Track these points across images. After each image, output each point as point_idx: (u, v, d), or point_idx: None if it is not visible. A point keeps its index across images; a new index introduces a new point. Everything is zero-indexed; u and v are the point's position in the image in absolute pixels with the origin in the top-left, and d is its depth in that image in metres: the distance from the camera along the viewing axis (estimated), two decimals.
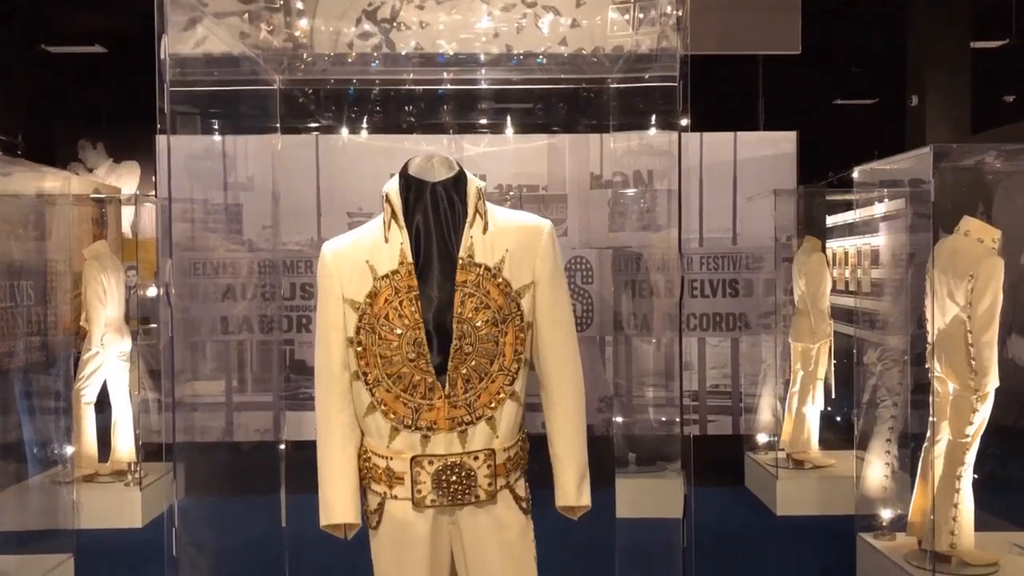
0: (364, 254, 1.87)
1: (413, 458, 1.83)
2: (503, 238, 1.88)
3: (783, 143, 6.76)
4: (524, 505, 1.93)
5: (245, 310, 5.96)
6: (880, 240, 5.75)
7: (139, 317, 6.43)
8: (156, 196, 6.70)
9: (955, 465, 3.99)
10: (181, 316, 6.92)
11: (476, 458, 1.84)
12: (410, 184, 1.88)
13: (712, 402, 7.25)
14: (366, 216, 7.08)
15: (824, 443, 6.13)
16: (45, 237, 5.70)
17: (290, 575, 3.94)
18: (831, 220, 7.16)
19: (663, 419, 6.08)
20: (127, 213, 7.39)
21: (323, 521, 1.89)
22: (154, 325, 6.66)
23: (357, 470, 1.90)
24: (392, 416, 1.84)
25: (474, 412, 1.84)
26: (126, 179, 10.24)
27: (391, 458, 1.85)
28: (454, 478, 1.83)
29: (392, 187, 1.90)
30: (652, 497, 4.20)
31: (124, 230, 7.49)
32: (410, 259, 1.85)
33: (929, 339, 4.20)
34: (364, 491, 1.92)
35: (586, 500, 1.93)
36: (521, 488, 1.93)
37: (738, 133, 6.84)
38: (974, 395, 3.92)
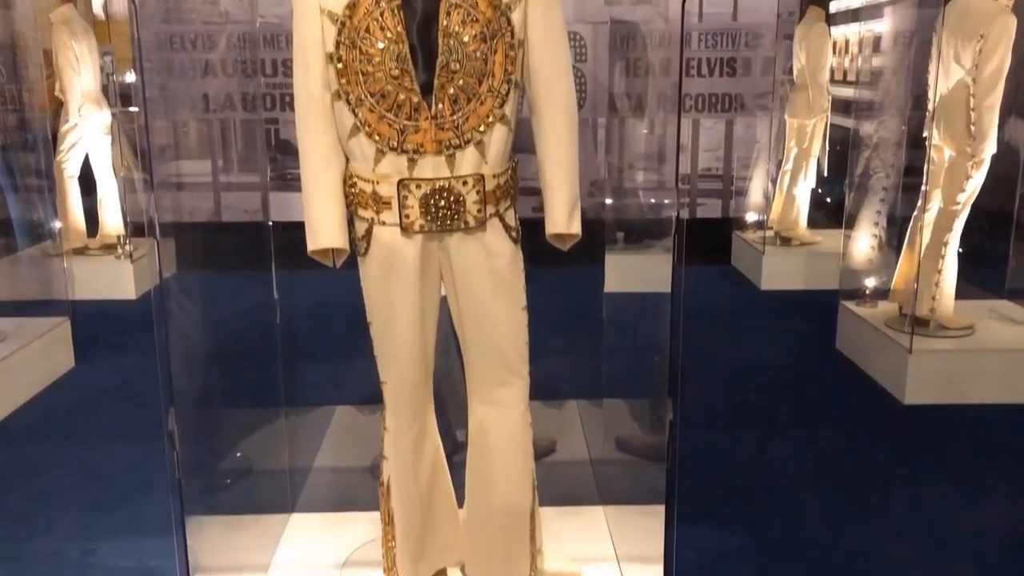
0: None
1: (400, 182, 1.77)
2: None
3: None
4: (514, 234, 1.89)
5: (226, 86, 5.76)
6: (884, 25, 5.52)
7: (119, 100, 6.21)
8: None
9: (943, 232, 4.00)
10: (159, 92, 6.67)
11: (465, 183, 1.78)
12: None
13: (703, 185, 7.21)
14: None
15: (812, 222, 6.16)
16: (9, 6, 5.41)
17: (282, 342, 4.01)
18: (834, 5, 6.86)
19: (652, 201, 6.05)
20: None
21: (310, 246, 1.86)
22: (134, 109, 6.46)
23: (343, 195, 1.85)
24: (377, 138, 1.76)
25: (462, 135, 1.76)
26: None
27: (377, 182, 1.80)
28: (442, 203, 1.78)
29: None
30: (640, 273, 4.24)
31: (96, 12, 7.11)
32: None
33: (930, 106, 4.10)
34: (351, 219, 1.88)
35: (576, 228, 1.90)
36: (511, 217, 1.89)
37: None
38: (970, 161, 3.87)
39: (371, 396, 3.52)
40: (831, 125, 6.03)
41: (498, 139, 1.80)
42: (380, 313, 1.91)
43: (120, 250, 5.49)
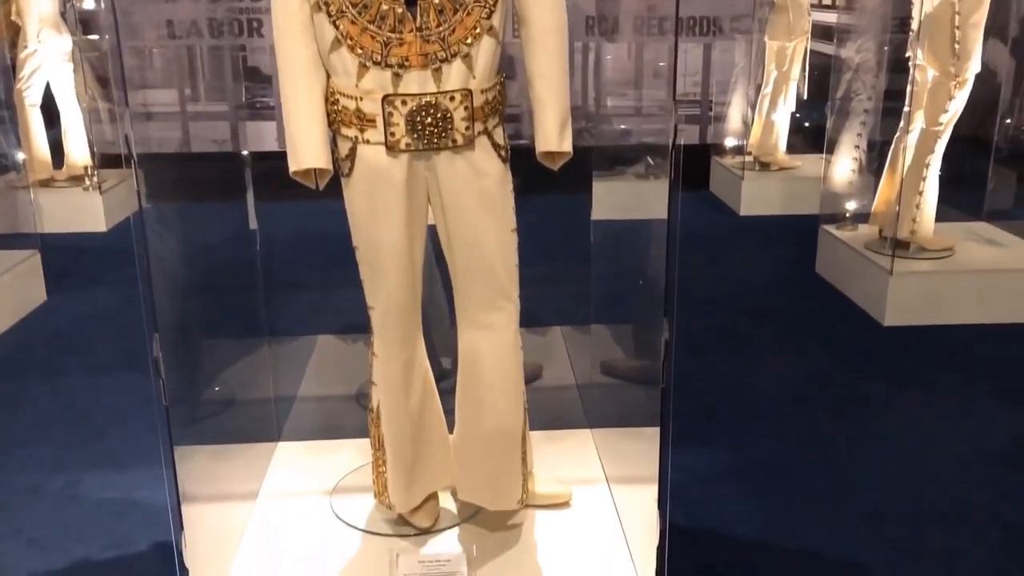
0: None
1: (385, 97, 1.70)
2: None
3: None
4: (503, 153, 1.84)
5: (192, 12, 5.57)
6: None
7: (79, 27, 5.98)
8: None
9: (925, 153, 3.98)
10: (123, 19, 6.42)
11: (452, 98, 1.72)
12: None
13: (680, 111, 7.12)
14: None
15: (791, 147, 6.11)
16: None
17: (261, 273, 3.94)
18: None
19: (633, 127, 5.97)
20: None
21: (292, 167, 1.79)
22: (95, 37, 6.23)
23: (325, 113, 1.78)
24: (359, 51, 1.68)
25: (449, 48, 1.69)
26: None
27: (361, 98, 1.72)
28: (429, 119, 1.71)
29: None
30: (624, 199, 4.20)
31: None
32: None
33: (913, 25, 4.04)
34: (334, 138, 1.81)
35: (567, 146, 1.84)
36: (499, 135, 1.83)
37: None
38: (953, 81, 3.83)
39: (352, 325, 3.49)
40: (810, 50, 5.95)
41: (486, 52, 1.73)
42: (366, 235, 1.85)
43: (88, 181, 5.35)
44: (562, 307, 3.51)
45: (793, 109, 5.97)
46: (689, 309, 4.06)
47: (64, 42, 5.25)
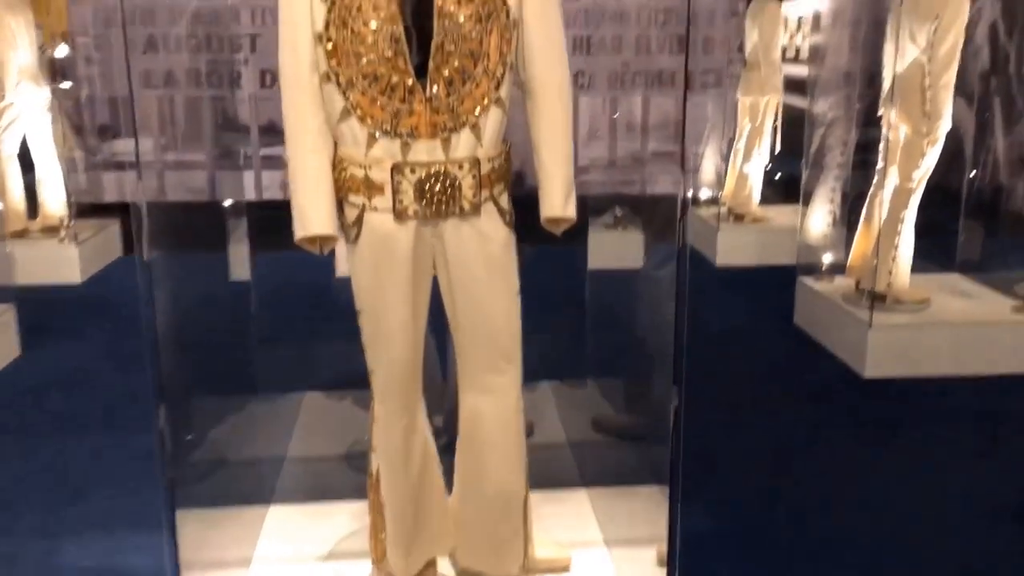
0: None
1: (394, 166, 1.72)
2: None
3: None
4: (508, 218, 1.86)
5: (169, 63, 5.56)
6: (831, 3, 5.56)
7: (52, 76, 5.96)
8: None
9: (899, 208, 4.08)
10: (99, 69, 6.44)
11: (461, 167, 1.74)
12: None
13: (655, 162, 7.22)
14: None
15: (765, 199, 6.22)
16: None
17: (248, 321, 3.90)
18: None
19: (611, 178, 6.04)
20: None
21: (298, 234, 1.80)
22: (68, 84, 6.21)
23: (332, 180, 1.79)
24: (369, 121, 1.70)
25: (458, 118, 1.71)
26: None
27: (370, 167, 1.74)
28: (438, 187, 1.74)
29: None
30: (611, 251, 4.26)
31: None
32: None
33: (885, 85, 4.16)
34: (340, 204, 1.82)
35: (572, 212, 1.87)
36: (505, 201, 1.86)
37: None
38: (925, 139, 3.94)
39: (338, 380, 3.47)
40: (782, 103, 6.09)
41: (493, 121, 1.76)
42: (371, 301, 1.85)
43: (63, 232, 5.29)
44: (551, 360, 3.51)
45: (766, 162, 6.09)
46: (669, 360, 4.10)
47: (43, 93, 5.23)
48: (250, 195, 6.41)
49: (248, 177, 6.73)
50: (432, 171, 1.73)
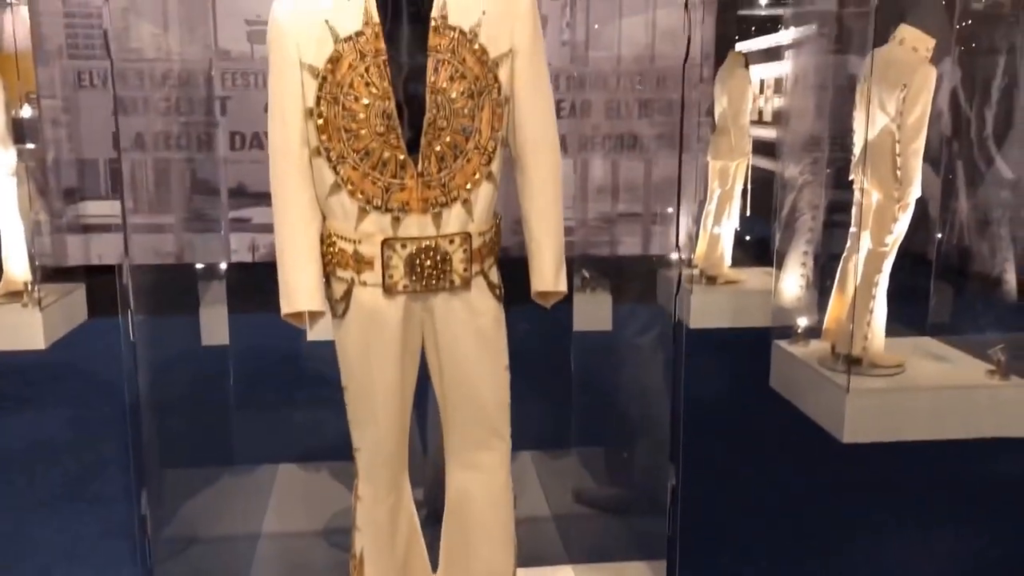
0: (322, 13, 1.65)
1: (385, 241, 1.70)
2: None
3: None
4: (497, 292, 1.84)
5: (140, 126, 5.54)
6: (798, 67, 5.70)
7: (17, 138, 5.89)
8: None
9: (873, 273, 4.12)
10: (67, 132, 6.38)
11: (452, 242, 1.72)
12: None
13: (623, 223, 7.28)
14: (266, 24, 6.56)
15: (736, 261, 6.28)
16: None
17: (211, 393, 3.82)
18: (755, 43, 7.08)
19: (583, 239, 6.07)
20: None
21: (285, 309, 1.76)
22: (32, 145, 6.15)
23: (320, 255, 1.76)
24: (360, 196, 1.68)
25: (449, 193, 1.70)
26: None
27: (359, 241, 1.71)
28: (428, 262, 1.71)
29: None
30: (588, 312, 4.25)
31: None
32: (376, 19, 1.65)
33: (855, 151, 4.24)
34: (327, 279, 1.79)
35: (563, 286, 1.86)
36: (495, 275, 1.84)
37: None
38: (896, 205, 4.00)
39: (311, 452, 3.39)
40: (752, 165, 6.19)
41: (484, 196, 1.75)
42: (357, 377, 1.81)
43: (27, 298, 5.18)
44: (530, 430, 3.47)
45: (737, 225, 6.16)
46: (644, 425, 4.07)
47: (9, 156, 5.17)
48: (219, 258, 6.36)
49: (217, 239, 6.69)
50: (423, 246, 1.71)
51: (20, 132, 5.87)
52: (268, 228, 1.94)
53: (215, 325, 4.31)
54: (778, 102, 7.14)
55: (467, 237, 1.74)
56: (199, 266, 4.90)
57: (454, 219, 1.72)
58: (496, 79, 1.71)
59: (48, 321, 5.15)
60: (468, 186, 1.72)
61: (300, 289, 1.74)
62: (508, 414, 1.91)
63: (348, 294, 1.76)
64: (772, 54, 7.49)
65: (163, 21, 5.22)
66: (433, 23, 1.66)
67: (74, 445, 3.82)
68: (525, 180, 1.82)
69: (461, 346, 1.81)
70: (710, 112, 6.34)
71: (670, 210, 6.65)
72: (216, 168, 6.38)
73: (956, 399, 4.00)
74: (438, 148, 1.68)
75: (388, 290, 1.73)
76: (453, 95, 1.66)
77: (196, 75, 5.97)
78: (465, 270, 1.75)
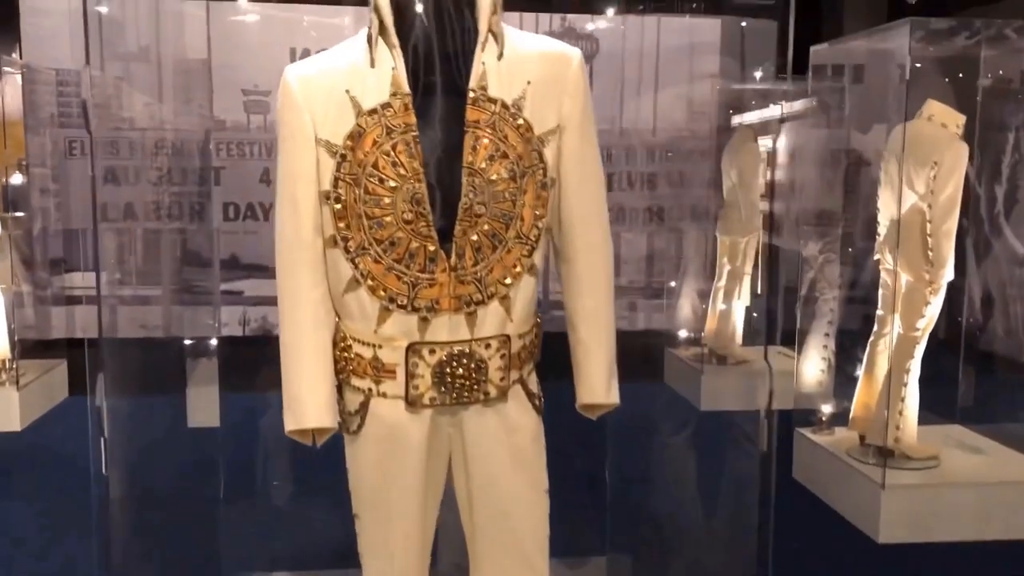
0: (343, 82, 1.43)
1: (410, 346, 1.44)
2: (522, 67, 1.47)
3: (707, 30, 6.46)
4: (537, 403, 1.58)
5: (130, 195, 5.35)
6: (812, 142, 5.57)
7: (4, 206, 5.68)
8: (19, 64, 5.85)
9: (904, 359, 3.89)
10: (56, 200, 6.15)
11: (488, 346, 1.47)
12: None
13: (628, 297, 7.08)
14: (263, 95, 6.41)
15: (747, 338, 6.04)
16: None
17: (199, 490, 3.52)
18: (766, 113, 6.95)
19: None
20: None
21: (290, 426, 1.49)
22: (21, 214, 5.94)
23: (332, 362, 1.50)
24: (382, 293, 1.44)
25: (486, 289, 1.46)
26: None
27: (380, 346, 1.46)
28: (461, 371, 1.46)
29: None
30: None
31: None
32: (406, 89, 1.42)
33: (880, 230, 4.04)
34: (340, 388, 1.53)
35: (615, 397, 1.60)
36: (533, 383, 1.59)
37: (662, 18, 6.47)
38: (928, 287, 3.79)
39: (312, 559, 3.08)
40: (763, 242, 6.00)
41: (525, 292, 1.50)
42: (373, 505, 1.54)
43: (4, 376, 4.88)
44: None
45: (747, 303, 5.94)
46: (661, 521, 3.79)
47: None
48: (208, 331, 6.09)
49: (207, 312, 6.43)
50: (454, 351, 1.46)
51: (6, 200, 5.67)
52: (260, 301, 1.72)
53: (203, 404, 4.03)
54: (786, 174, 6.99)
55: (505, 340, 1.49)
56: (188, 341, 4.63)
57: (491, 319, 1.48)
58: (541, 158, 1.48)
59: (25, 401, 4.85)
60: (507, 280, 1.47)
61: (308, 402, 1.48)
62: (546, 546, 1.64)
63: (364, 407, 1.50)
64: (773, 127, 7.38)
65: (158, 91, 5.04)
66: (472, 95, 1.43)
67: (47, 536, 3.50)
68: (572, 275, 1.58)
69: (495, 467, 1.55)
70: (715, 185, 6.18)
71: (677, 289, 6.45)
72: (209, 239, 6.16)
73: (996, 495, 3.73)
74: (474, 238, 1.44)
75: (412, 403, 1.47)
76: (493, 177, 1.43)
77: (190, 144, 5.79)
78: (502, 379, 1.50)
